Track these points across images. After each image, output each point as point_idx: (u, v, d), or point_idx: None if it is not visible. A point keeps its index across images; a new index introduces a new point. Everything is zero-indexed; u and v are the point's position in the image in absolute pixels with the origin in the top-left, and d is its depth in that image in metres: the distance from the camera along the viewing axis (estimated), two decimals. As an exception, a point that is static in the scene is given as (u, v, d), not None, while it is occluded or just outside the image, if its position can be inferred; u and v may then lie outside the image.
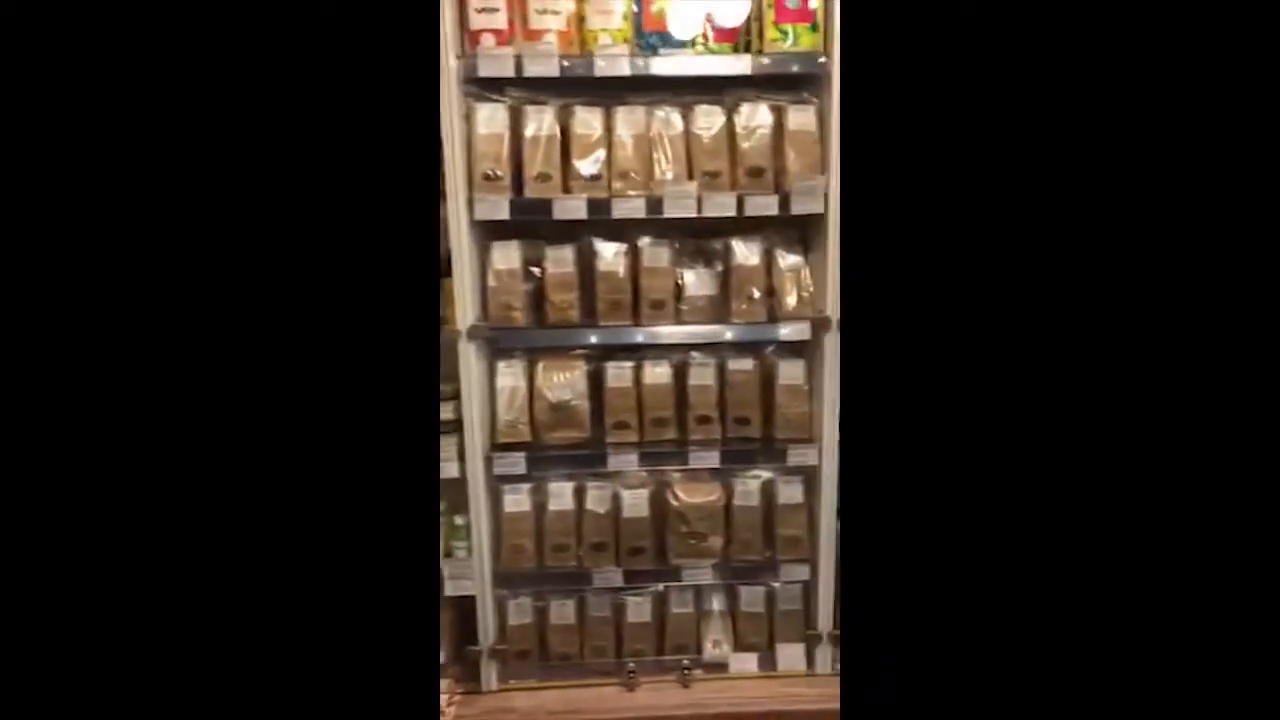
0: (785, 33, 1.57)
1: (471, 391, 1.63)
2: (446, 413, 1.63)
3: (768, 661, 1.79)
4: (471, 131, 1.58)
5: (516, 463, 1.70)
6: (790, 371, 1.74)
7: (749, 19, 1.59)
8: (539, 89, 1.61)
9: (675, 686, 1.76)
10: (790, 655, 1.79)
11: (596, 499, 1.74)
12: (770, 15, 1.56)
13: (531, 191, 1.60)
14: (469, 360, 1.62)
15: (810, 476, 1.75)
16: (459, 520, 1.73)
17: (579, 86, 1.61)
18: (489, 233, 1.68)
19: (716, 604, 1.85)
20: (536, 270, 1.69)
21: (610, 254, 1.68)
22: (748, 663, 1.79)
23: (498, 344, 1.72)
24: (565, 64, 1.54)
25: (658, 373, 1.74)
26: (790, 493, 1.76)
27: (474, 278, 1.64)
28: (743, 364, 1.74)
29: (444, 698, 1.69)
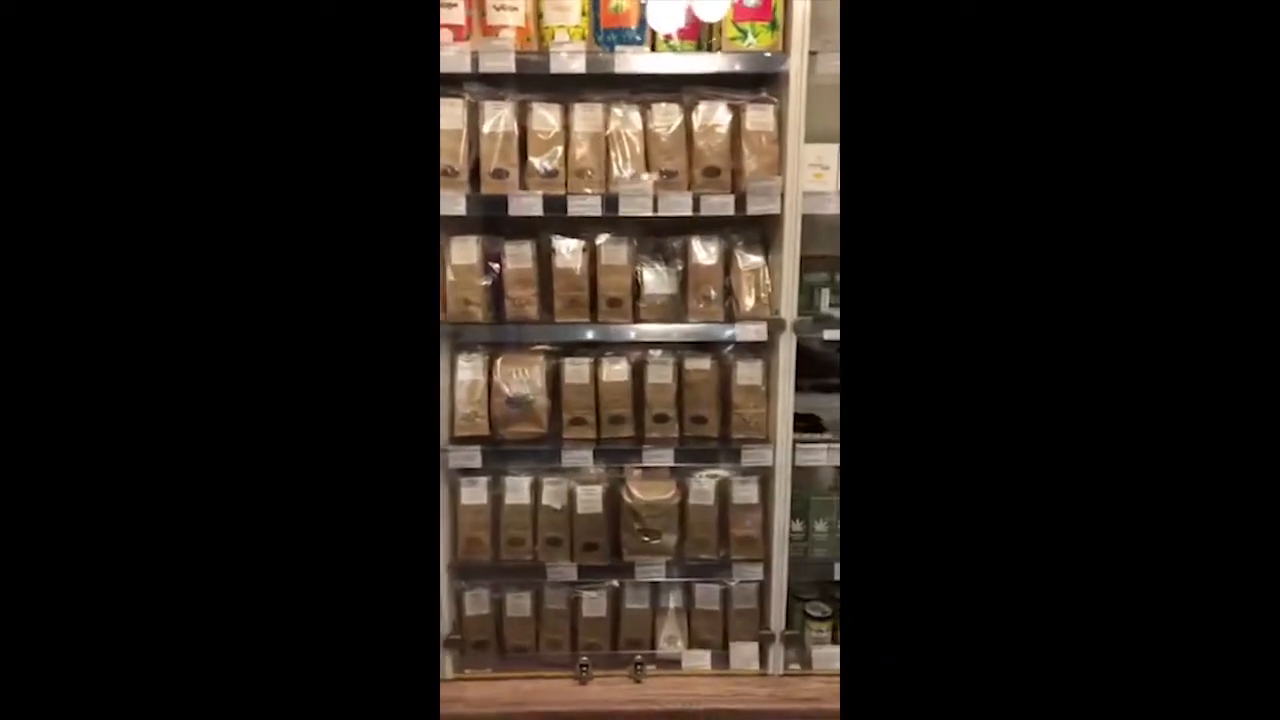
0: (744, 31, 1.56)
1: (426, 385, 1.65)
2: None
3: (721, 659, 1.80)
4: (429, 127, 1.58)
5: (473, 456, 1.72)
6: (747, 372, 1.74)
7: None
8: (497, 85, 1.61)
9: (628, 681, 1.77)
10: (744, 654, 1.80)
11: (552, 494, 1.76)
12: (730, 14, 1.55)
13: (488, 188, 1.61)
14: (424, 354, 1.64)
15: (765, 477, 1.75)
16: (415, 512, 1.75)
17: (537, 83, 1.61)
18: (448, 228, 1.69)
19: (672, 601, 1.86)
20: (495, 266, 1.70)
21: (568, 251, 1.69)
22: (701, 660, 1.80)
23: (459, 338, 1.74)
24: (522, 60, 1.54)
25: (616, 370, 1.74)
26: (745, 493, 1.76)
27: (430, 272, 1.65)
28: (700, 363, 1.75)
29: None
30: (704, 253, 1.70)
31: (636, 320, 1.71)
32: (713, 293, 1.70)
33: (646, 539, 1.75)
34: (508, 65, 1.53)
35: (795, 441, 1.71)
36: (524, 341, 1.76)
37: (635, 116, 1.62)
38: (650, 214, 1.60)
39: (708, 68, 1.57)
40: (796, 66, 1.53)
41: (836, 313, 1.74)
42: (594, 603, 1.81)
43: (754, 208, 1.59)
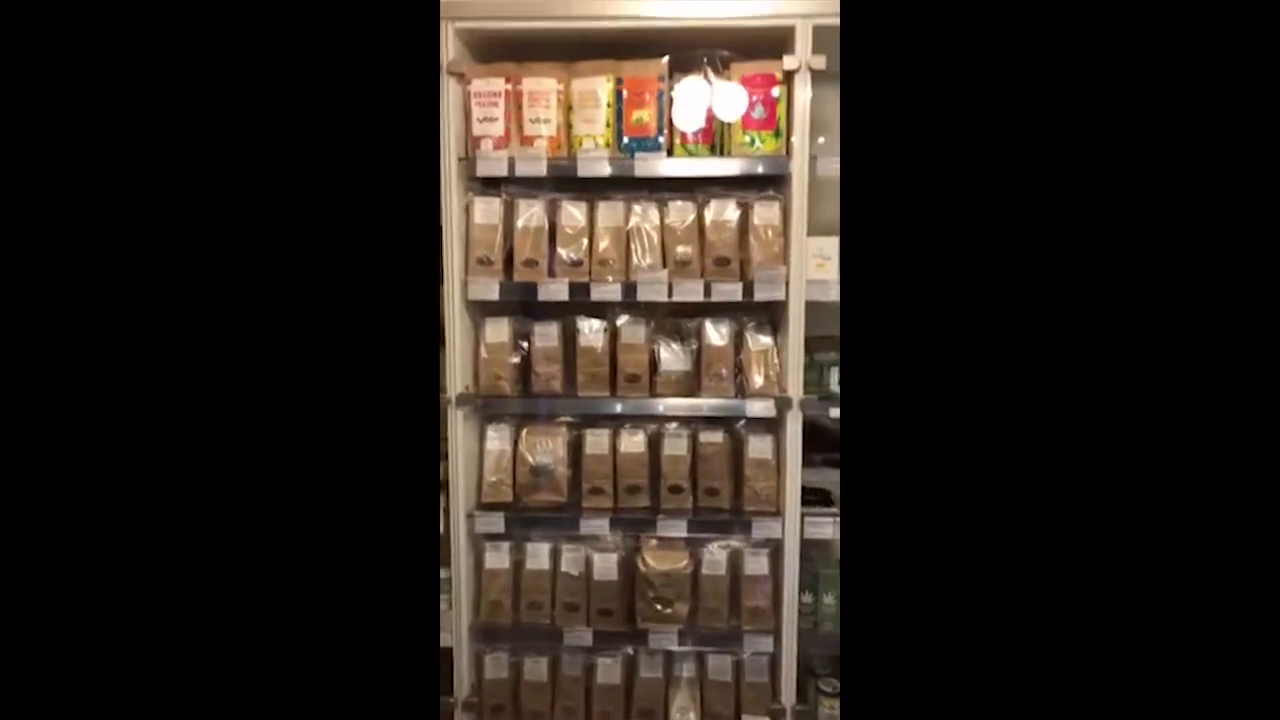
0: (751, 138, 1.74)
1: (457, 454, 1.79)
2: (434, 472, 1.78)
3: (732, 733, 1.82)
4: (469, 222, 1.78)
5: (497, 522, 1.83)
6: (759, 446, 1.83)
7: (722, 125, 1.77)
8: (532, 186, 1.81)
9: (640, 752, 1.80)
10: (755, 728, 1.82)
11: (570, 561, 1.84)
12: (738, 123, 1.74)
13: (520, 275, 1.78)
14: (456, 425, 1.78)
15: (776, 549, 1.82)
16: (441, 574, 1.85)
17: (566, 184, 1.81)
18: (483, 310, 1.87)
19: (685, 671, 1.89)
20: (524, 344, 1.86)
21: (591, 330, 1.84)
22: (712, 733, 1.82)
23: (488, 410, 1.88)
24: (553, 164, 1.74)
25: (634, 441, 1.86)
26: (756, 564, 1.82)
27: (465, 351, 1.82)
28: (714, 436, 1.85)
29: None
30: (716, 334, 1.83)
31: (653, 395, 1.83)
32: (724, 371, 1.82)
33: (660, 607, 1.81)
34: (540, 169, 1.74)
35: (804, 515, 1.78)
36: (548, 414, 1.89)
37: (653, 213, 1.80)
38: (665, 299, 1.75)
39: (719, 171, 1.74)
40: (799, 168, 1.69)
41: (843, 391, 1.84)
42: (609, 669, 1.86)
43: (761, 294, 1.73)
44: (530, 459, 1.84)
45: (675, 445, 1.85)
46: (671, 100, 1.75)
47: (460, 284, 1.77)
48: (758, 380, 1.80)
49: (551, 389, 1.84)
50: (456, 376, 1.78)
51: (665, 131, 1.76)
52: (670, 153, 1.78)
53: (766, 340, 1.83)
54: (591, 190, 1.81)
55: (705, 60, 1.76)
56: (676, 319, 1.90)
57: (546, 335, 1.85)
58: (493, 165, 1.74)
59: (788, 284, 1.72)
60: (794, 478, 1.76)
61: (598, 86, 1.75)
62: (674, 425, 1.87)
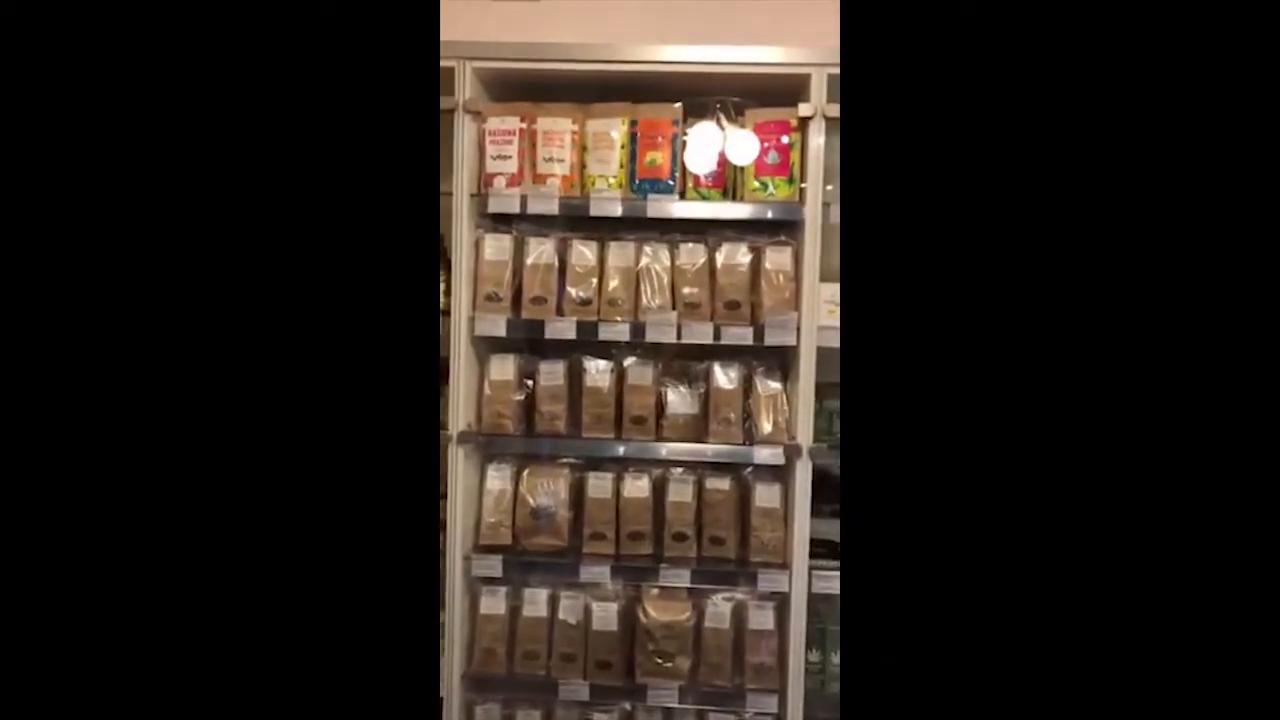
0: (764, 184, 1.74)
1: (456, 493, 1.74)
2: (432, 511, 1.73)
3: (733, 800, 1.72)
4: (479, 258, 1.77)
5: (495, 566, 1.77)
6: (766, 494, 1.78)
7: (735, 170, 1.77)
8: (543, 224, 1.81)
9: (635, 817, 1.70)
10: (757, 795, 1.72)
11: (569, 608, 1.78)
12: (751, 169, 1.74)
13: (528, 313, 1.76)
14: (457, 463, 1.74)
15: (782, 603, 1.75)
16: (434, 618, 1.79)
17: (578, 224, 1.81)
18: (489, 347, 1.84)
19: (685, 730, 1.80)
20: (529, 382, 1.83)
21: (598, 370, 1.81)
22: (712, 799, 1.72)
23: (490, 449, 1.84)
24: (565, 203, 1.74)
25: (638, 486, 1.81)
26: (761, 618, 1.75)
27: (469, 388, 1.79)
28: (720, 483, 1.80)
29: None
30: (725, 377, 1.80)
31: (659, 438, 1.79)
32: (732, 415, 1.78)
33: (660, 661, 1.73)
34: (553, 207, 1.73)
35: (812, 568, 1.71)
36: (551, 454, 1.85)
37: (664, 254, 1.78)
38: (674, 341, 1.72)
39: (731, 214, 1.74)
40: (812, 214, 1.68)
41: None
42: (604, 727, 1.77)
43: (772, 339, 1.70)
44: (531, 500, 1.79)
45: (680, 491, 1.80)
46: (685, 144, 1.75)
47: (467, 319, 1.75)
48: (766, 426, 1.76)
49: (555, 429, 1.80)
50: (459, 413, 1.74)
51: (678, 174, 1.76)
52: (683, 195, 1.77)
53: (776, 385, 1.79)
54: (603, 230, 1.81)
55: (718, 106, 1.77)
56: (684, 361, 1.87)
57: (552, 374, 1.82)
58: (505, 202, 1.74)
59: (799, 329, 1.69)
60: (802, 528, 1.71)
61: (612, 128, 1.76)
62: (679, 470, 1.82)
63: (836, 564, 1.77)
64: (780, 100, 1.72)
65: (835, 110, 1.65)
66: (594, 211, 1.73)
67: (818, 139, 1.67)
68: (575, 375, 1.83)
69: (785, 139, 1.72)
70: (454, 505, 1.74)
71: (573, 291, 1.77)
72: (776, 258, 1.74)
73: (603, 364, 1.81)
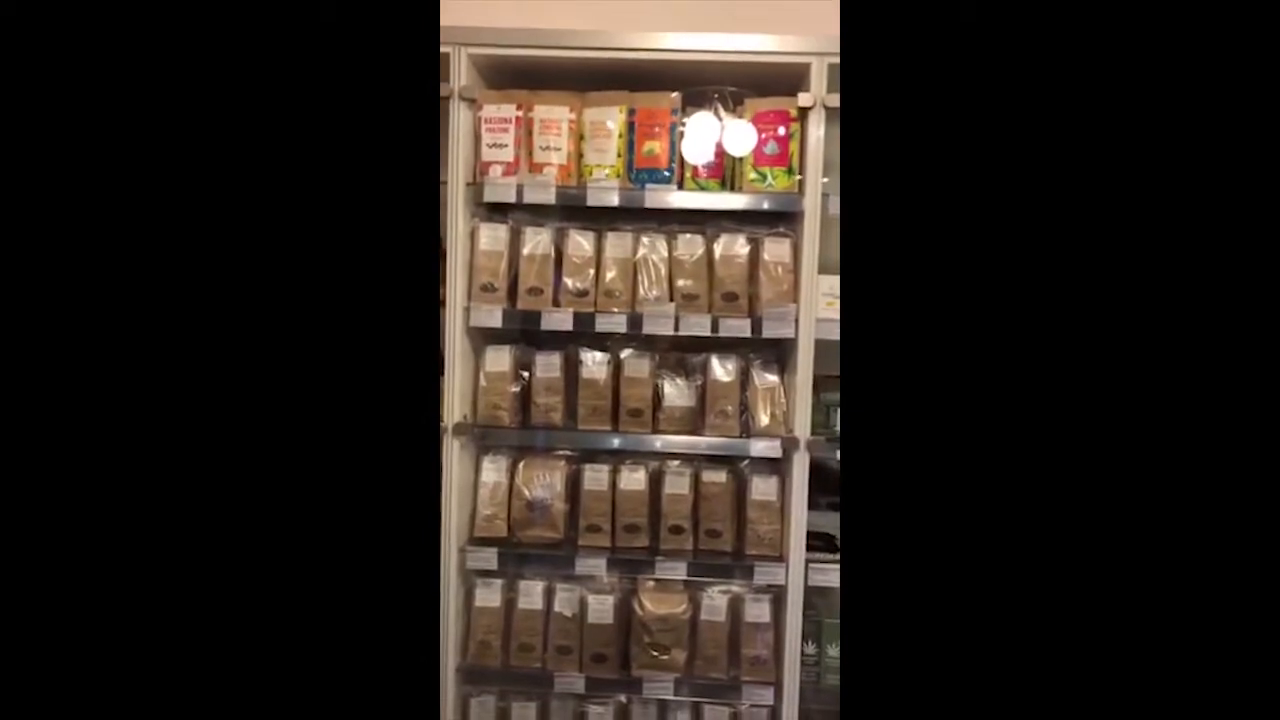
0: (763, 174, 1.72)
1: (451, 486, 1.73)
2: (426, 504, 1.72)
3: (728, 791, 1.73)
4: (474, 248, 1.75)
5: (490, 558, 1.76)
6: (763, 487, 1.77)
7: (733, 161, 1.75)
8: (539, 214, 1.78)
9: (630, 809, 1.70)
10: (752, 786, 1.72)
11: (564, 601, 1.77)
12: (750, 159, 1.72)
13: (524, 304, 1.75)
14: (452, 455, 1.73)
15: (778, 596, 1.75)
16: (429, 611, 1.78)
17: (575, 214, 1.78)
18: (484, 338, 1.82)
19: (680, 722, 1.80)
20: (525, 374, 1.81)
21: (594, 362, 1.79)
22: (707, 790, 1.73)
23: (485, 441, 1.83)
24: (562, 193, 1.71)
25: (634, 478, 1.80)
26: (757, 611, 1.75)
27: (464, 380, 1.77)
28: (717, 475, 1.79)
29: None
30: (722, 370, 1.79)
31: (656, 431, 1.78)
32: (730, 408, 1.77)
33: (656, 654, 1.73)
34: (549, 197, 1.71)
35: (808, 561, 1.71)
36: (547, 446, 1.84)
37: (661, 245, 1.77)
38: (672, 333, 1.71)
39: (729, 205, 1.72)
40: (811, 205, 1.67)
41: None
42: (601, 719, 1.77)
43: (769, 331, 1.69)
44: (527, 493, 1.78)
45: (677, 484, 1.79)
46: (683, 134, 1.73)
47: (462, 310, 1.73)
48: (763, 419, 1.75)
49: (551, 421, 1.79)
50: (454, 405, 1.73)
51: (676, 164, 1.74)
52: (681, 186, 1.75)
53: (773, 378, 1.78)
54: (599, 221, 1.79)
55: (715, 96, 1.75)
56: (681, 354, 1.86)
57: (548, 365, 1.80)
58: (501, 191, 1.71)
59: (797, 321, 1.68)
60: (799, 521, 1.70)
61: (610, 117, 1.73)
62: (676, 463, 1.81)
63: (833, 557, 1.77)
64: (780, 90, 1.69)
65: (835, 100, 1.63)
66: (591, 201, 1.71)
67: (817, 129, 1.66)
68: (571, 367, 1.81)
69: (784, 129, 1.70)
70: (449, 498, 1.73)
71: (569, 282, 1.75)
72: (775, 249, 1.73)
73: (599, 356, 1.80)
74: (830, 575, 1.71)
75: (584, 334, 1.75)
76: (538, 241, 1.76)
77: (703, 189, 1.75)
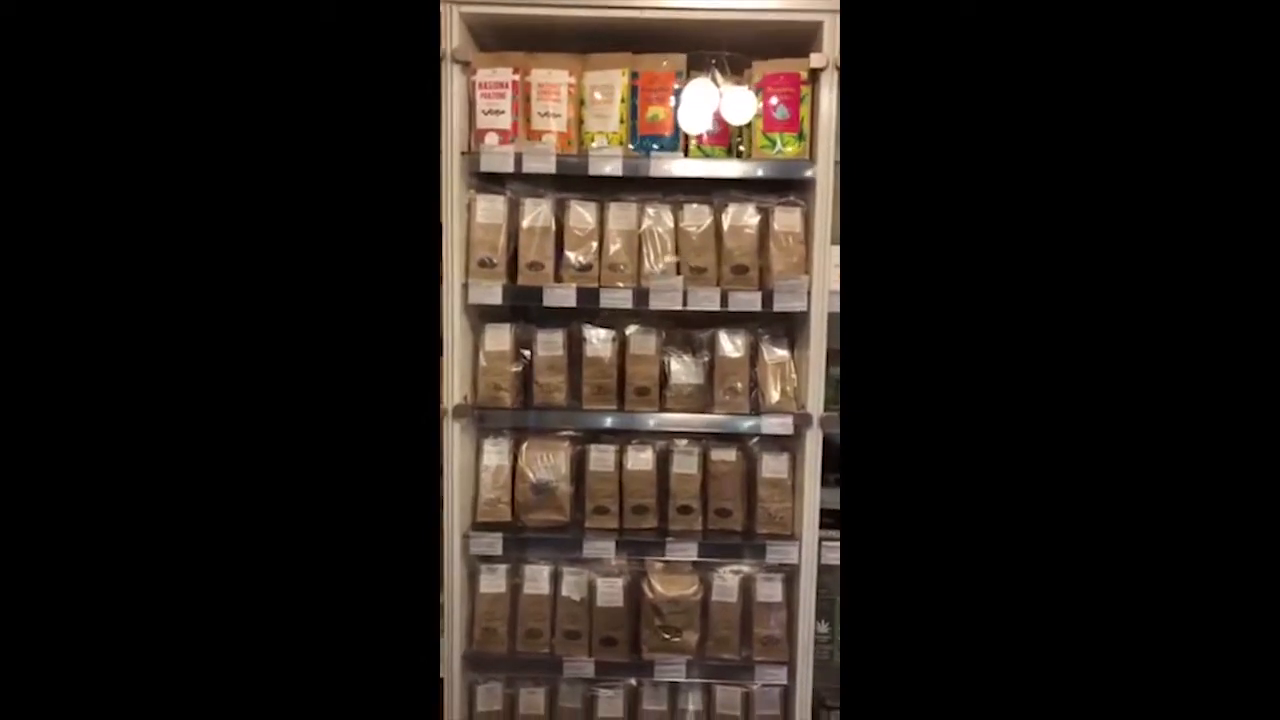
0: (773, 141, 1.64)
1: (453, 470, 1.66)
2: (427, 489, 1.65)
3: (741, 771, 1.71)
4: (471, 221, 1.67)
5: (495, 543, 1.70)
6: (773, 465, 1.73)
7: (741, 127, 1.68)
8: (538, 184, 1.70)
9: (643, 791, 1.68)
10: (766, 766, 1.71)
11: (572, 585, 1.72)
12: (759, 124, 1.64)
13: (524, 279, 1.67)
14: (453, 438, 1.66)
15: (791, 575, 1.71)
16: (432, 598, 1.72)
17: (576, 184, 1.70)
18: (483, 316, 1.75)
19: (692, 704, 1.78)
20: (526, 353, 1.74)
21: (598, 340, 1.73)
22: (720, 771, 1.71)
23: (486, 423, 1.76)
24: (562, 161, 1.63)
25: (641, 459, 1.74)
26: (769, 590, 1.72)
27: (464, 359, 1.69)
28: (726, 454, 1.74)
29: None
30: (731, 345, 1.73)
31: (663, 409, 1.72)
32: (739, 385, 1.72)
33: (667, 636, 1.69)
34: (549, 166, 1.63)
35: (821, 539, 1.68)
36: (550, 428, 1.77)
37: (667, 216, 1.69)
38: (679, 308, 1.64)
39: (737, 173, 1.65)
40: (823, 173, 1.60)
41: (862, 408, 1.75)
42: (610, 703, 1.74)
43: (780, 305, 1.63)
44: (531, 475, 1.72)
45: (685, 463, 1.74)
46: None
47: (460, 287, 1.64)
48: (774, 395, 1.70)
49: (554, 401, 1.72)
50: (454, 386, 1.66)
51: (681, 132, 1.66)
52: (687, 153, 1.68)
53: (783, 353, 1.73)
54: (602, 191, 1.71)
55: (713, 62, 1.65)
56: (688, 330, 1.79)
57: (550, 344, 1.73)
58: (498, 161, 1.63)
59: (809, 294, 1.62)
60: (811, 499, 1.66)
61: (612, 80, 1.64)
62: (684, 442, 1.76)
63: (845, 534, 1.73)
64: (790, 51, 1.62)
65: (849, 61, 1.56)
66: (593, 170, 1.63)
67: (830, 92, 1.58)
68: (575, 345, 1.74)
69: (795, 92, 1.62)
70: (450, 482, 1.66)
71: (571, 256, 1.67)
72: (786, 219, 1.66)
73: (604, 333, 1.73)
74: (843, 553, 1.68)
75: (587, 310, 1.68)
76: (538, 213, 1.68)
77: (708, 156, 1.67)
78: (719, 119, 1.65)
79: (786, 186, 1.70)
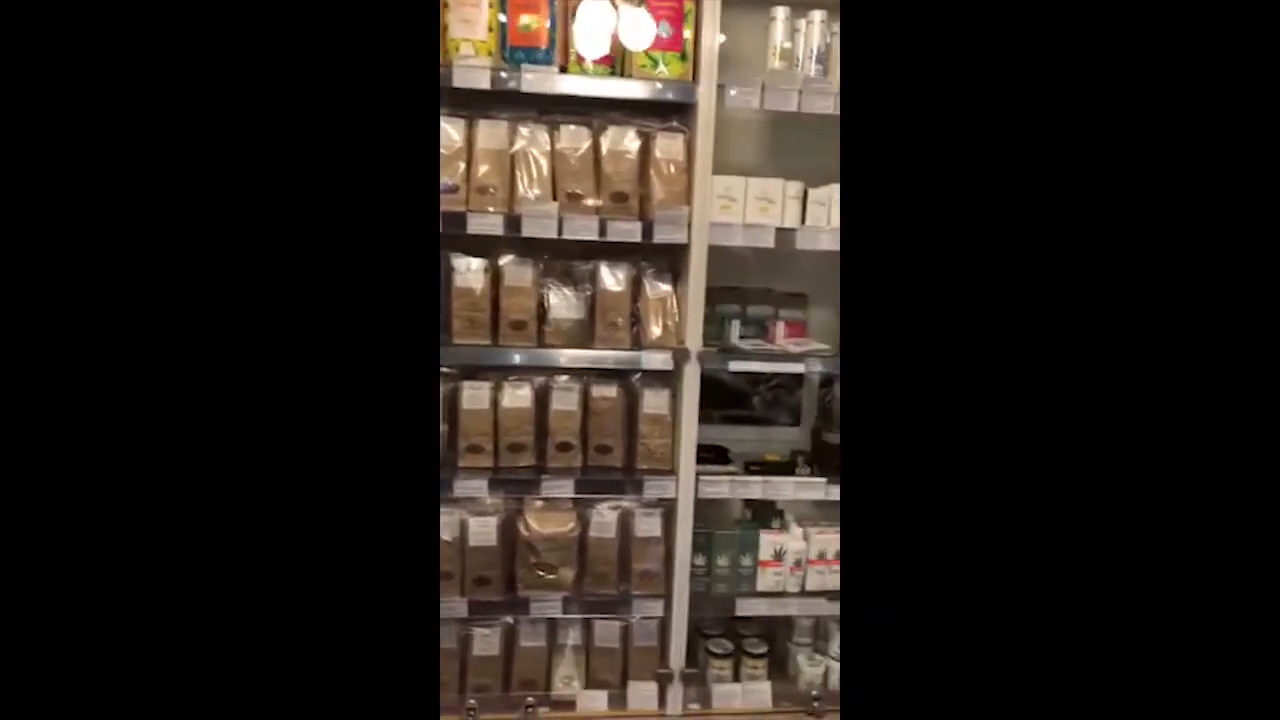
0: (654, 60, 1.55)
1: (309, 407, 1.54)
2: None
3: (618, 700, 1.73)
4: (322, 134, 1.50)
5: (360, 484, 1.61)
6: (654, 401, 1.70)
7: (623, 45, 1.57)
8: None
9: (518, 725, 1.68)
10: (642, 694, 1.74)
11: (443, 525, 1.66)
12: (640, 40, 1.54)
13: (385, 201, 1.53)
14: (307, 374, 1.53)
15: (669, 509, 1.71)
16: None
17: (441, 97, 1.55)
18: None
19: (570, 639, 1.78)
20: (391, 283, 1.62)
21: (469, 270, 1.62)
22: (597, 701, 1.73)
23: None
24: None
25: (518, 395, 1.68)
26: (648, 525, 1.71)
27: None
28: (607, 390, 1.70)
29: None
30: (612, 279, 1.66)
31: (541, 345, 1.65)
32: (620, 320, 1.66)
33: (542, 573, 1.67)
34: (409, 76, 1.47)
35: (699, 474, 1.68)
36: (421, 363, 1.67)
37: (542, 137, 1.58)
38: (555, 236, 1.56)
39: (618, 93, 1.55)
40: (706, 97, 1.53)
41: (746, 344, 1.74)
42: (486, 641, 1.71)
43: (661, 236, 1.57)
44: (398, 414, 1.62)
45: (564, 399, 1.68)
46: (569, 10, 1.52)
47: (310, 208, 1.49)
48: (655, 331, 1.66)
49: (423, 335, 1.62)
50: (306, 318, 1.52)
51: (557, 43, 1.54)
52: (564, 70, 1.56)
53: (666, 288, 1.68)
54: (470, 106, 1.57)
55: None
56: (568, 261, 1.71)
57: (418, 273, 1.61)
58: (349, 66, 1.45)
59: (690, 226, 1.57)
60: (689, 435, 1.65)
61: (479, -19, 1.49)
62: (564, 378, 1.70)
63: (723, 469, 1.74)
64: (674, -40, 1.51)
65: (734, -25, 1.47)
66: (458, 83, 1.49)
67: (714, 11, 1.49)
68: (443, 275, 1.63)
69: (679, 8, 1.52)
70: (307, 421, 1.54)
71: (438, 178, 1.54)
72: (668, 145, 1.58)
73: (475, 262, 1.62)
74: (719, 487, 1.69)
75: (456, 237, 1.57)
76: (398, 129, 1.53)
77: (586, 74, 1.56)
78: (616, 43, 1.53)
79: (669, 110, 1.62)
